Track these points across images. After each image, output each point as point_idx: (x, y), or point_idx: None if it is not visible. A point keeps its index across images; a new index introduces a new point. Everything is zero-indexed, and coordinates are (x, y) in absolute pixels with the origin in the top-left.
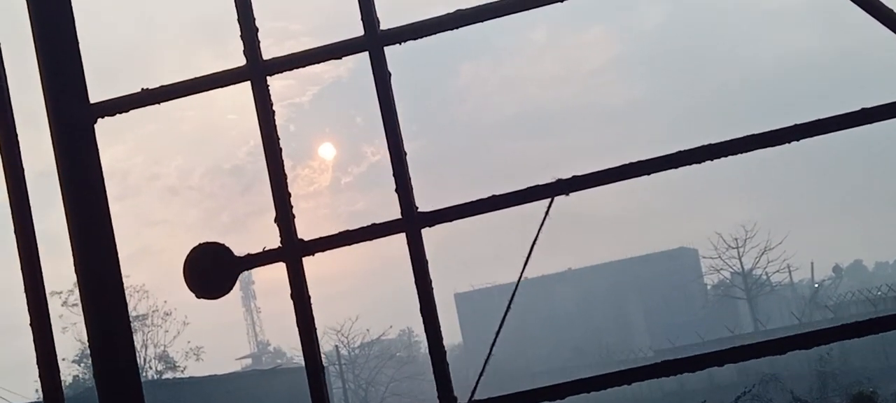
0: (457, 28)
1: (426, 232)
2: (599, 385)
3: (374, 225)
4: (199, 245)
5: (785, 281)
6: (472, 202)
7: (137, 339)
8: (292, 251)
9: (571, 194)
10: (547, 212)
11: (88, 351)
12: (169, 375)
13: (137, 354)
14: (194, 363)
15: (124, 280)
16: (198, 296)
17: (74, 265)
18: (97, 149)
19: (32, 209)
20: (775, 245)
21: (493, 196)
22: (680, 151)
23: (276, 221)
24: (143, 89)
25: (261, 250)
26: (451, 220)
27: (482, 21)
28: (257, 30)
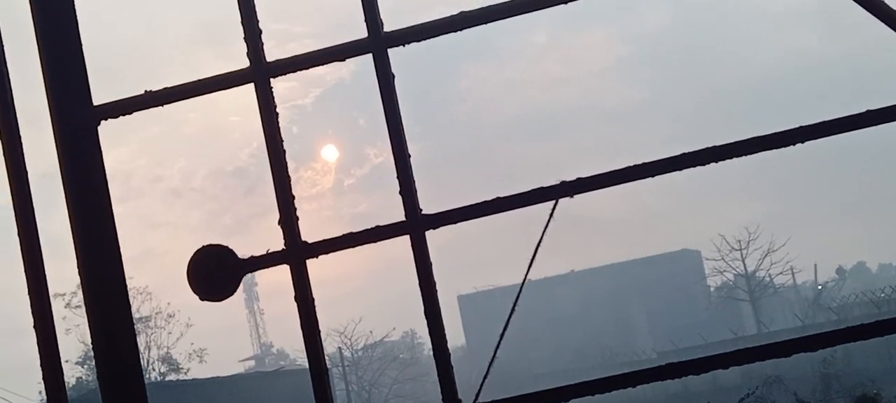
0: (460, 30)
1: (429, 234)
2: (603, 387)
3: (377, 227)
4: (203, 247)
5: (788, 283)
6: (475, 204)
7: (141, 341)
8: (296, 253)
9: (574, 196)
10: (551, 215)
11: (92, 353)
12: (172, 377)
13: (141, 356)
14: (198, 365)
15: (127, 281)
16: (202, 299)
17: (78, 267)
18: (100, 151)
19: (36, 211)
20: (779, 247)
21: (497, 198)
22: (685, 153)
23: (279, 224)
24: (146, 91)
25: (264, 252)
26: (454, 223)
27: (485, 23)
28: (261, 32)
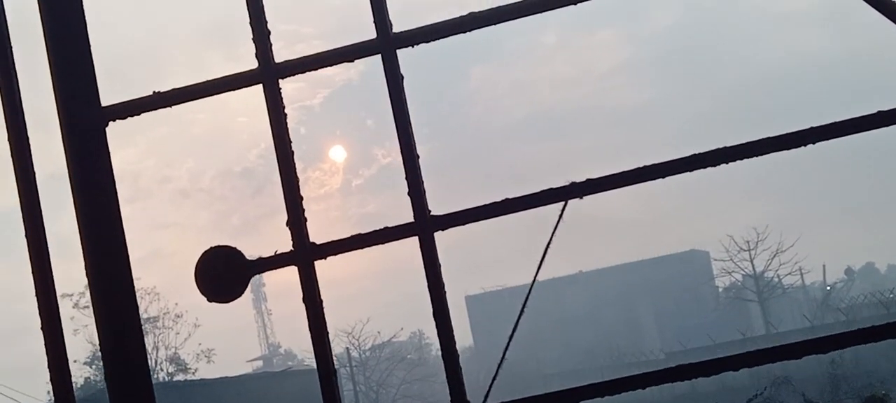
0: (469, 31)
1: (437, 235)
2: (613, 389)
3: (386, 228)
4: (211, 248)
5: (797, 284)
6: (485, 205)
7: (148, 341)
8: (304, 255)
9: (584, 197)
10: (560, 216)
11: (100, 353)
12: (180, 377)
13: (149, 356)
14: (205, 365)
15: (135, 282)
16: (209, 300)
17: (85, 268)
18: (108, 152)
19: (44, 212)
20: (787, 247)
21: (506, 199)
22: (696, 154)
23: (287, 224)
24: (154, 92)
25: (272, 253)
26: (463, 224)
27: (495, 24)
28: (269, 33)
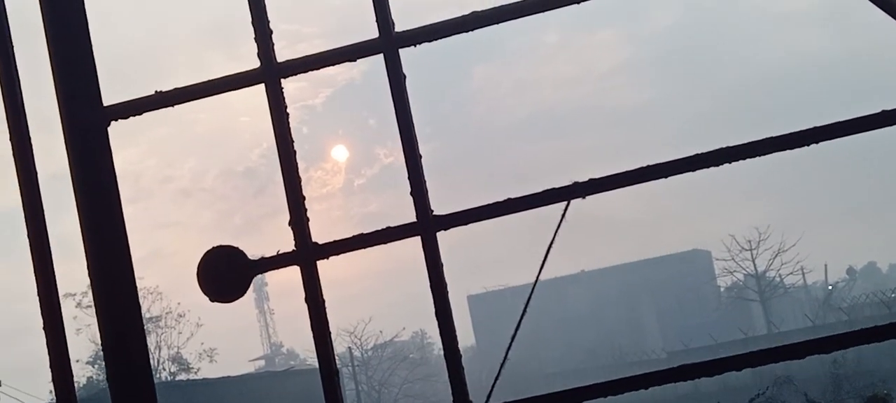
0: (472, 30)
1: (439, 234)
2: (615, 389)
3: (388, 228)
4: (213, 248)
5: (798, 283)
6: (487, 205)
7: (151, 341)
8: (306, 254)
9: (586, 197)
10: (563, 216)
11: (102, 353)
12: (182, 376)
13: (151, 356)
14: (208, 364)
15: (138, 281)
16: (212, 300)
17: (88, 267)
18: (110, 152)
19: (46, 212)
20: (789, 247)
21: (509, 199)
22: (699, 154)
23: (290, 224)
24: (156, 92)
25: (275, 253)
26: (466, 224)
27: (497, 23)
28: (271, 32)
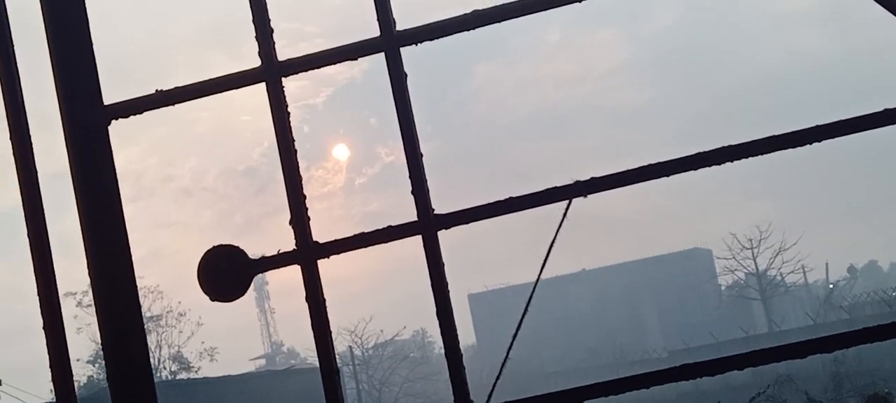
0: (473, 29)
1: (440, 233)
2: (617, 389)
3: (389, 227)
4: (213, 248)
5: (799, 282)
6: (488, 204)
7: (152, 340)
8: (307, 254)
9: (587, 196)
10: (564, 215)
11: (102, 352)
12: (183, 375)
13: (152, 354)
14: (208, 363)
15: (138, 281)
16: (212, 299)
17: (88, 267)
18: (111, 151)
19: (48, 211)
20: (790, 245)
21: (510, 198)
22: (699, 153)
23: (290, 224)
24: (157, 91)
25: (275, 252)
26: (467, 223)
27: (498, 22)
28: (272, 31)
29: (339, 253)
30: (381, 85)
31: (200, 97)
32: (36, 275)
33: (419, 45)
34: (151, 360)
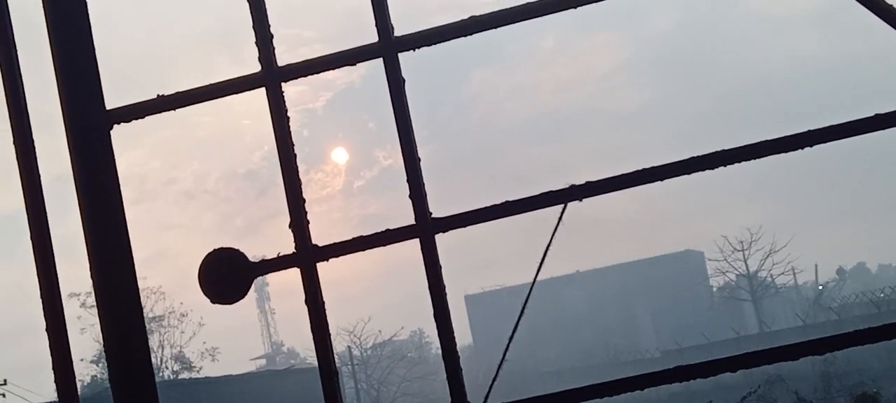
0: (470, 35)
1: (438, 236)
2: (611, 390)
3: (388, 230)
4: (214, 251)
5: (789, 283)
6: (485, 208)
7: (154, 340)
8: (307, 257)
9: (582, 200)
10: (560, 219)
11: (104, 353)
12: (185, 375)
13: (154, 355)
14: (210, 363)
15: (141, 282)
16: (213, 302)
17: (90, 270)
18: (113, 155)
19: (52, 213)
20: (780, 247)
21: (507, 202)
22: (693, 158)
23: (290, 227)
24: (158, 96)
25: (275, 255)
26: (464, 226)
27: (495, 27)
28: (272, 37)
29: (337, 256)
30: (380, 89)
31: (201, 102)
32: (39, 278)
33: (417, 50)
34: (154, 360)
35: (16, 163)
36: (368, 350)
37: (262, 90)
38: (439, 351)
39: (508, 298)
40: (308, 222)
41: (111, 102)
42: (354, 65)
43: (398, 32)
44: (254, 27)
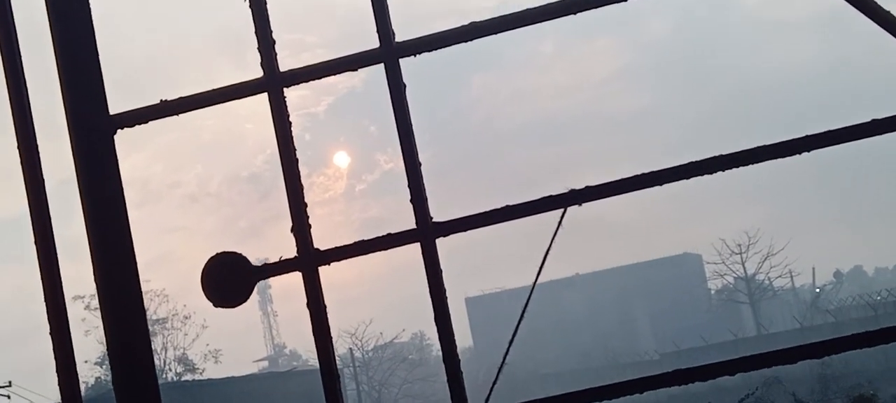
0: (470, 40)
1: (438, 240)
2: (610, 394)
3: (389, 234)
4: (216, 255)
5: (787, 286)
6: (485, 212)
7: (157, 342)
8: (308, 261)
9: (582, 204)
10: (559, 223)
11: (108, 356)
12: (188, 377)
13: (157, 356)
14: (213, 365)
15: (144, 284)
16: (215, 305)
17: (94, 273)
18: (116, 159)
19: (56, 217)
20: (777, 250)
21: (507, 206)
22: (691, 162)
23: (292, 231)
24: (161, 101)
25: (278, 257)
26: (464, 230)
27: (495, 33)
28: (274, 42)
29: (338, 260)
30: (381, 94)
31: (203, 107)
32: (43, 281)
33: (418, 55)
34: (157, 362)
35: (20, 166)
36: (370, 352)
37: (266, 93)
38: (440, 353)
39: (508, 301)
40: (310, 226)
41: (115, 107)
42: (356, 70)
43: (399, 38)
44: (256, 33)
